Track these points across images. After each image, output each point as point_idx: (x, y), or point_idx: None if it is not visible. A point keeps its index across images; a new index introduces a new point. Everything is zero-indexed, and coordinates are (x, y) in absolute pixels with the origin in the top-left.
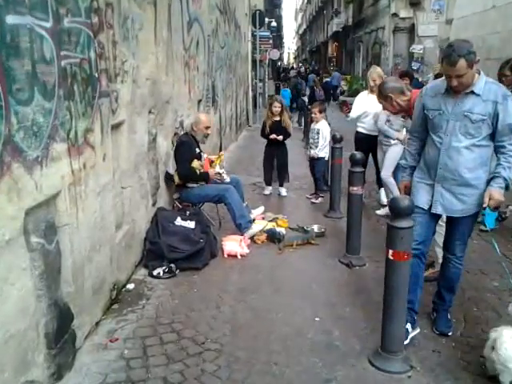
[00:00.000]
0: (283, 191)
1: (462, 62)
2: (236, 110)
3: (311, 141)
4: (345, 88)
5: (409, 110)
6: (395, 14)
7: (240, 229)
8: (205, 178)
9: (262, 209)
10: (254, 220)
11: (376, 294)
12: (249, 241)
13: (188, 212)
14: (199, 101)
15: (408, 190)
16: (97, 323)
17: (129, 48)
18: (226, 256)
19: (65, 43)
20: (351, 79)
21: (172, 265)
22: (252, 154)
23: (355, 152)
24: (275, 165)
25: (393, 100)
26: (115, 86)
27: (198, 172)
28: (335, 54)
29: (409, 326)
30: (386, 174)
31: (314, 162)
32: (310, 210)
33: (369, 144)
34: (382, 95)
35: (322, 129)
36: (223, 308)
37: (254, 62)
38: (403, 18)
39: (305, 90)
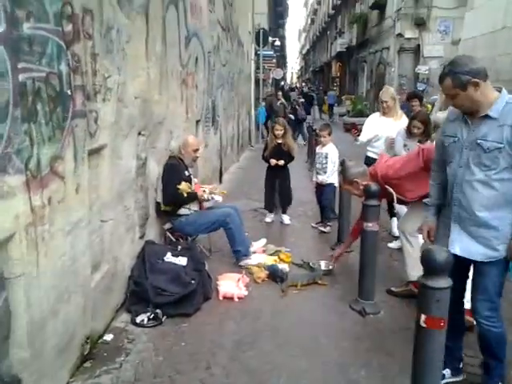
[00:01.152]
0: (286, 219)
1: (447, 81)
2: (238, 129)
3: (318, 166)
4: (349, 108)
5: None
6: (400, 35)
7: (238, 256)
8: (192, 198)
9: (263, 241)
10: (254, 253)
11: (395, 350)
12: (247, 279)
13: (179, 247)
14: (198, 121)
15: (433, 234)
16: None
17: (113, 62)
18: (221, 298)
19: (24, 53)
20: (355, 100)
21: (158, 310)
22: (254, 175)
23: (370, 183)
24: (277, 190)
25: (359, 184)
26: (94, 106)
27: (184, 194)
28: (339, 74)
29: (447, 371)
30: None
31: (321, 188)
32: (316, 241)
33: None
34: (348, 181)
35: (331, 153)
36: (215, 369)
37: (257, 81)
38: (408, 39)
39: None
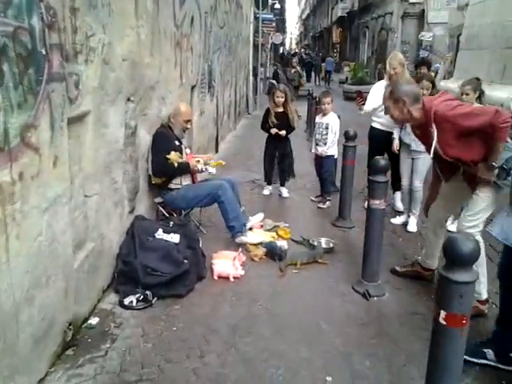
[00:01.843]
0: (285, 192)
1: None
2: (235, 96)
3: (318, 136)
4: (348, 75)
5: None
6: None
7: (233, 232)
8: (184, 169)
9: (261, 216)
10: (251, 229)
11: (401, 337)
12: (244, 258)
13: (172, 223)
14: (193, 87)
15: None
16: (40, 381)
17: (96, 19)
18: (215, 278)
19: None
20: (355, 66)
21: (148, 292)
22: (251, 145)
23: (378, 157)
24: (277, 162)
25: (405, 106)
26: (75, 68)
27: (175, 164)
28: (339, 40)
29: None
30: (420, 185)
31: (321, 160)
32: (316, 216)
33: (385, 141)
34: (393, 97)
35: (332, 123)
36: (208, 358)
37: (255, 45)
38: (413, 3)
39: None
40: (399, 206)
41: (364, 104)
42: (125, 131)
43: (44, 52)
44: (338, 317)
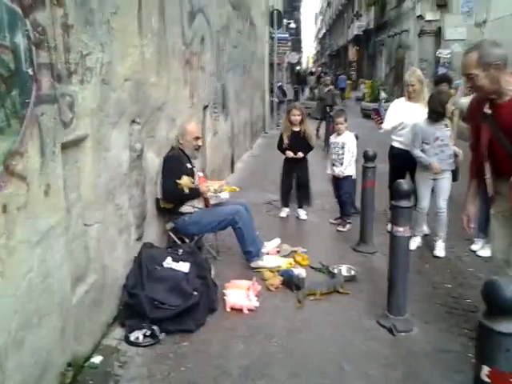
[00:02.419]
0: (302, 214)
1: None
2: (251, 115)
3: (334, 157)
4: (365, 91)
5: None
6: (421, 17)
7: (249, 257)
8: (194, 195)
9: (277, 241)
10: (267, 254)
11: (433, 381)
12: (259, 287)
13: (181, 250)
14: (205, 106)
15: None
16: None
17: (94, 36)
18: (228, 310)
19: None
20: (372, 84)
21: (155, 327)
22: (267, 164)
23: (401, 181)
24: (294, 183)
25: (499, 71)
26: (69, 88)
27: (185, 190)
28: (356, 58)
29: None
30: (444, 206)
31: (338, 181)
32: (336, 239)
33: (407, 161)
34: (483, 62)
35: (348, 142)
36: None
37: (271, 65)
38: (429, 21)
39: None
40: (424, 229)
41: (382, 122)
42: (130, 154)
43: (31, 72)
44: (361, 356)
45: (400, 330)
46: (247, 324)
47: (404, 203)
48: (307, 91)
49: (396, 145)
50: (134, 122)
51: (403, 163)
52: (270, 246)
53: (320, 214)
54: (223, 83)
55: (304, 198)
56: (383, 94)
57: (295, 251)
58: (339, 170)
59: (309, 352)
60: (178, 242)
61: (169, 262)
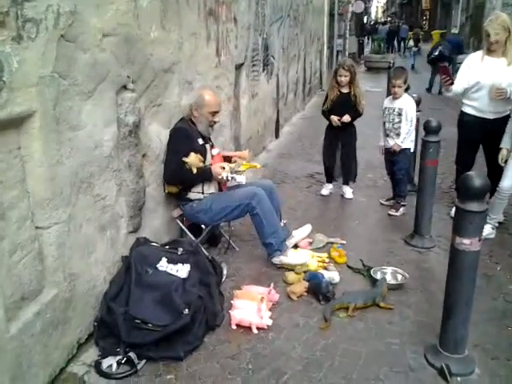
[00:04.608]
0: (348, 192)
1: None
2: (304, 72)
3: (388, 125)
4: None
5: None
6: None
7: (270, 252)
8: (204, 176)
9: (307, 229)
10: (296, 247)
11: None
12: (277, 296)
13: (181, 249)
14: (239, 65)
15: None
16: None
17: None
18: (233, 327)
19: None
20: (436, 35)
21: (131, 354)
22: (320, 128)
23: (472, 174)
24: (339, 155)
25: None
26: None
27: (193, 170)
28: (429, 6)
29: None
30: None
31: (393, 156)
32: (385, 227)
33: (481, 131)
34: None
35: (406, 108)
36: None
37: (331, 15)
38: None
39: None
40: (501, 216)
41: (452, 83)
42: (117, 131)
43: None
44: None
45: (455, 372)
46: (254, 350)
47: (474, 206)
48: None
49: (468, 111)
50: (125, 88)
51: (476, 134)
52: (298, 235)
53: (370, 193)
54: (265, 37)
55: (350, 173)
56: (411, 43)
57: (331, 243)
58: (394, 143)
59: None
60: (187, 233)
61: (163, 264)
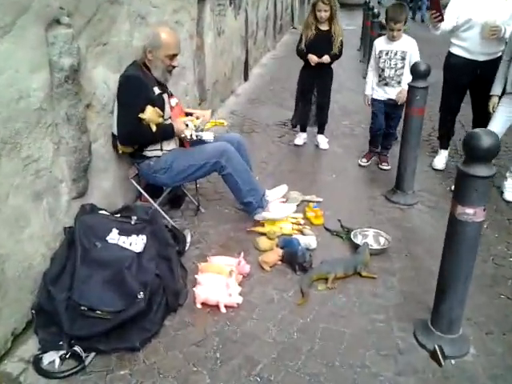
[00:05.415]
0: (323, 142)
1: None
2: (275, 8)
3: (388, 72)
4: None
5: None
6: None
7: (250, 211)
8: (165, 135)
9: (283, 189)
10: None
11: None
12: (247, 268)
13: (135, 218)
14: None
15: None
16: None
17: None
18: (198, 306)
19: None
20: None
21: (77, 348)
22: (292, 69)
23: (479, 132)
24: (314, 100)
25: None
26: None
27: (152, 127)
28: None
29: None
30: None
31: (392, 109)
32: (364, 183)
33: (469, 75)
34: None
35: (412, 51)
36: None
37: None
38: None
39: None
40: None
41: (442, 19)
42: (51, 77)
43: None
44: None
45: (449, 354)
46: (222, 334)
47: (481, 170)
48: None
49: (457, 52)
50: (57, 23)
51: (464, 78)
52: (273, 195)
53: (346, 142)
54: None
55: (325, 120)
56: None
57: (307, 201)
58: (400, 92)
59: None
60: (145, 195)
61: (114, 237)
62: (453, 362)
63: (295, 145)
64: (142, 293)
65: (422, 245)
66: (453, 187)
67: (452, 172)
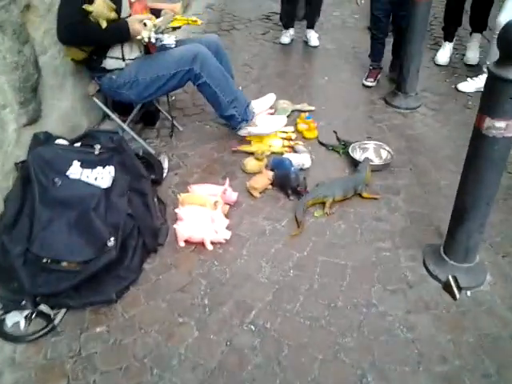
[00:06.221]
0: (313, 38)
1: None
2: None
3: None
4: None
5: None
6: None
7: (234, 124)
8: (118, 34)
9: (271, 98)
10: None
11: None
12: (235, 196)
13: (98, 146)
14: None
15: None
16: None
17: None
18: (181, 245)
19: None
20: None
21: (43, 306)
22: None
23: None
24: None
25: None
26: None
27: (101, 23)
28: None
29: None
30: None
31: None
32: (360, 85)
33: None
34: None
35: None
36: None
37: None
38: None
39: None
40: (473, 56)
41: None
42: None
43: None
44: (394, 343)
45: (464, 285)
46: (209, 276)
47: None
48: None
49: None
50: None
51: None
52: (259, 107)
53: (338, 36)
54: None
55: (317, 11)
56: None
57: (298, 111)
58: None
59: (312, 335)
60: (111, 115)
61: (75, 171)
62: (468, 293)
63: (281, 43)
64: (112, 239)
65: (427, 155)
66: (459, 85)
67: (457, 67)
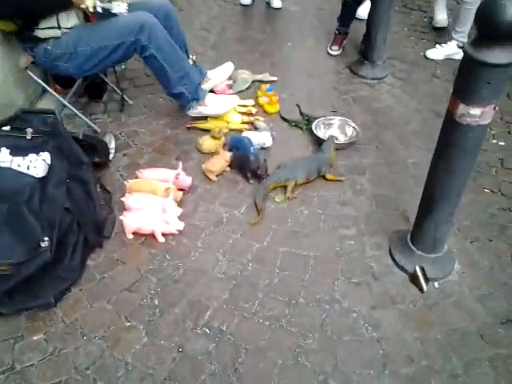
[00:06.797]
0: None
1: None
2: None
3: None
4: None
5: None
6: None
7: (183, 103)
8: (55, 2)
9: (228, 68)
10: (212, 93)
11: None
12: (189, 180)
13: (30, 130)
14: None
15: None
16: None
17: None
18: (129, 237)
19: None
20: None
21: None
22: None
23: (505, 2)
24: None
25: None
26: None
27: None
28: None
29: None
30: None
31: None
32: (326, 54)
33: None
34: None
35: None
36: None
37: None
38: None
39: None
40: (441, 18)
41: None
42: None
43: None
44: (359, 344)
45: (432, 276)
46: (160, 273)
47: (499, 55)
48: None
49: None
50: None
51: None
52: (216, 77)
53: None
54: None
55: None
56: None
57: (259, 82)
58: None
59: (266, 346)
60: (49, 91)
61: (5, 158)
62: (436, 284)
63: (241, 4)
64: (46, 238)
65: (394, 130)
66: (428, 52)
67: (427, 32)
